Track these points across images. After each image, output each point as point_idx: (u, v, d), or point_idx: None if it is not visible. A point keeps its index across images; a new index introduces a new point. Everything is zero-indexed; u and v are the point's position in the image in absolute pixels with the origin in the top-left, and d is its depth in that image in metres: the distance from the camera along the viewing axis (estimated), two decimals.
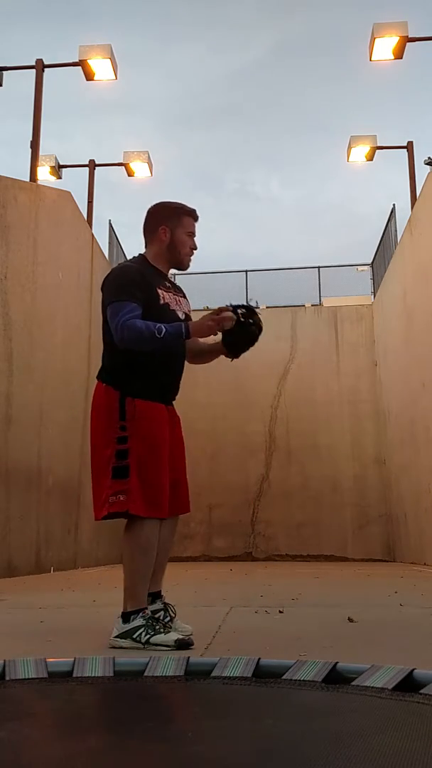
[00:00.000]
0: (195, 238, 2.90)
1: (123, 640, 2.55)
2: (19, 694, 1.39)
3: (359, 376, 15.11)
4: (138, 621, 2.57)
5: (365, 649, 2.52)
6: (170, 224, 2.84)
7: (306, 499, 14.49)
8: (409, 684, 1.31)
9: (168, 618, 2.79)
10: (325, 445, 14.76)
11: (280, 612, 3.64)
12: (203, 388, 13.28)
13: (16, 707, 1.32)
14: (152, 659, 1.53)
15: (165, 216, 2.87)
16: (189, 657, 1.54)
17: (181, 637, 2.56)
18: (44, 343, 9.03)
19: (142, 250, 2.95)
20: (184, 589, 5.86)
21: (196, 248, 2.90)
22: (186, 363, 2.94)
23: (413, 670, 1.34)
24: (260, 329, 2.70)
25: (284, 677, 1.42)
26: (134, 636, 2.55)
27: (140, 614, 2.60)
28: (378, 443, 14.57)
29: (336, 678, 1.39)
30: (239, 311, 2.65)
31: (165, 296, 2.76)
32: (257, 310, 2.73)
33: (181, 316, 2.81)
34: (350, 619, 3.27)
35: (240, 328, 2.66)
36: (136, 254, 2.92)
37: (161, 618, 2.74)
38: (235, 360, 2.83)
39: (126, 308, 2.65)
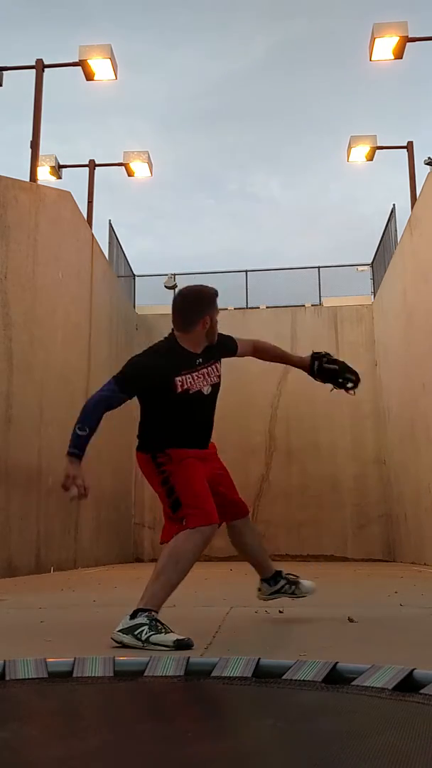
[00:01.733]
0: None
1: (124, 636, 2.61)
2: (19, 694, 1.39)
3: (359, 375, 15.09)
4: (142, 619, 2.64)
5: (365, 649, 2.52)
6: (212, 312, 3.08)
7: (306, 499, 14.49)
8: (409, 684, 1.31)
9: (292, 588, 3.44)
10: (325, 445, 14.76)
11: (280, 612, 3.64)
12: None
13: (16, 707, 1.32)
14: (152, 659, 1.53)
15: (208, 305, 3.09)
16: (189, 657, 1.54)
17: (180, 638, 2.58)
18: (44, 342, 9.03)
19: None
20: (184, 589, 5.86)
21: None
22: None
23: (413, 670, 1.34)
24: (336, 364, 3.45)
25: (284, 677, 1.42)
26: (135, 633, 2.60)
27: (146, 614, 2.67)
28: (378, 443, 14.56)
29: (336, 678, 1.39)
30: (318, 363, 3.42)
31: (185, 381, 2.99)
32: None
33: (206, 391, 3.06)
34: (350, 619, 3.27)
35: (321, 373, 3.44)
36: (167, 336, 3.14)
37: (286, 590, 3.41)
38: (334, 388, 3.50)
39: (107, 385, 3.04)
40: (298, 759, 0.97)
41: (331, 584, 6.62)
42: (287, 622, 3.37)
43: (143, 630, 2.60)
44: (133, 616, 2.66)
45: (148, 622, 2.62)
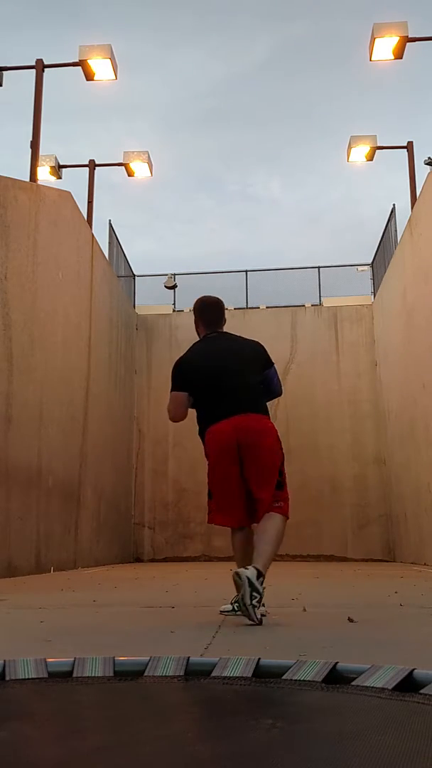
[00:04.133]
0: None
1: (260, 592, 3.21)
2: (19, 694, 1.39)
3: (359, 376, 15.10)
4: (261, 582, 3.22)
5: (365, 649, 2.52)
6: None
7: (306, 499, 14.46)
8: (409, 684, 1.31)
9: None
10: (325, 445, 14.76)
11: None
12: None
13: (16, 707, 1.32)
14: (152, 659, 1.53)
15: None
16: (189, 657, 1.54)
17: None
18: (44, 342, 9.03)
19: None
20: (184, 589, 5.87)
21: None
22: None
23: (413, 670, 1.34)
24: None
25: (284, 677, 1.42)
26: (235, 602, 3.29)
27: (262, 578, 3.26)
28: (378, 443, 14.56)
29: (336, 678, 1.39)
30: None
31: None
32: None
33: None
34: (350, 619, 3.27)
35: None
36: (230, 333, 3.84)
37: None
38: None
39: (276, 371, 3.82)
40: (298, 759, 0.97)
41: (331, 584, 6.62)
42: (287, 622, 3.37)
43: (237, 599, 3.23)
44: (258, 575, 3.15)
45: (237, 603, 3.24)
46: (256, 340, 3.84)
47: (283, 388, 3.82)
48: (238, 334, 3.83)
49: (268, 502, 3.47)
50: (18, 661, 1.50)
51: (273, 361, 3.76)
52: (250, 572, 3.11)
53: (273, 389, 3.77)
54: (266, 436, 3.55)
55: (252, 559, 3.35)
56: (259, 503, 3.49)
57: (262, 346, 3.79)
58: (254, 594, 3.09)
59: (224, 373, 3.59)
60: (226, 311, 3.89)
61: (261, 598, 3.14)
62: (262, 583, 3.16)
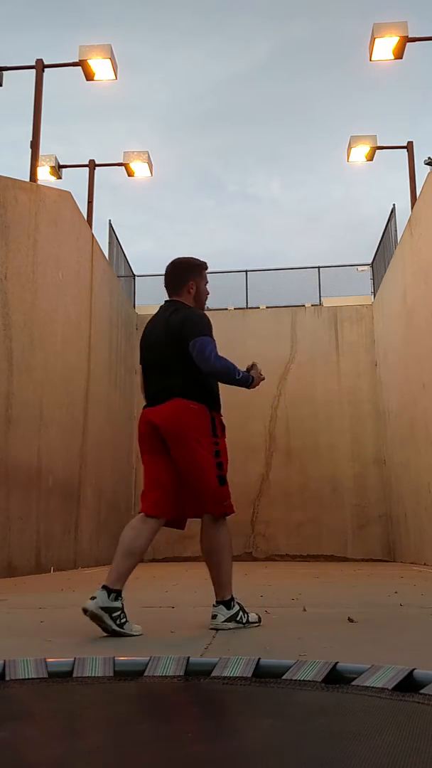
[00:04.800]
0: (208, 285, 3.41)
1: (230, 623, 3.04)
2: (19, 694, 1.39)
3: (359, 376, 15.10)
4: (236, 606, 3.10)
5: (365, 649, 2.52)
6: (196, 279, 3.31)
7: (306, 499, 14.49)
8: (409, 684, 1.31)
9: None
10: (325, 445, 14.76)
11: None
12: None
13: (16, 707, 1.32)
14: (152, 659, 1.53)
15: (191, 271, 3.32)
16: (189, 657, 1.54)
17: (257, 615, 3.18)
18: (44, 342, 9.03)
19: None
20: (185, 589, 5.87)
21: (209, 293, 3.42)
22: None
23: (413, 670, 1.34)
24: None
25: (284, 677, 1.42)
26: (237, 619, 3.07)
27: (234, 600, 3.12)
28: (378, 443, 14.56)
29: (336, 678, 1.39)
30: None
31: None
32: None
33: None
34: (350, 619, 3.27)
35: None
36: (179, 302, 3.26)
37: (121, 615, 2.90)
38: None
39: (213, 344, 3.11)
40: (298, 759, 0.97)
41: (331, 584, 6.62)
42: (287, 622, 3.37)
43: (241, 615, 3.08)
44: (228, 606, 3.07)
45: (240, 607, 3.11)
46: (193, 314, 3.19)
47: (217, 363, 3.03)
48: (189, 305, 3.25)
49: (200, 499, 3.08)
50: (18, 661, 1.50)
51: (201, 332, 3.07)
52: (214, 621, 3.04)
53: (199, 364, 3.04)
54: (176, 425, 3.08)
55: (122, 570, 3.16)
56: (185, 501, 3.15)
57: (188, 315, 3.14)
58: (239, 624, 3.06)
59: (150, 350, 3.30)
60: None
61: (245, 619, 3.08)
62: (233, 604, 3.09)
